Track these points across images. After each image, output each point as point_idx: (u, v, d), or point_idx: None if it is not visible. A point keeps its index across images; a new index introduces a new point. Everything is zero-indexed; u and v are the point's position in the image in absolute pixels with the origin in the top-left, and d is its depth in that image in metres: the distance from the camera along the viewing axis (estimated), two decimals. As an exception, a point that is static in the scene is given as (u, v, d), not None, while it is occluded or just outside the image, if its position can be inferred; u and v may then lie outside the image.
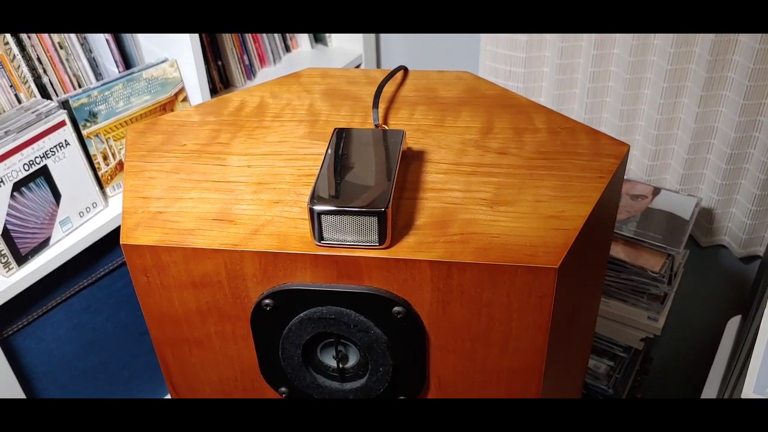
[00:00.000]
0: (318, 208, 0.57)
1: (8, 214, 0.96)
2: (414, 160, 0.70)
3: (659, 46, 1.21)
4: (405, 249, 0.59)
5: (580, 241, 0.61)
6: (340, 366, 0.65)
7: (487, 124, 0.75)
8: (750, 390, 0.57)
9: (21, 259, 0.99)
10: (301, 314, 0.61)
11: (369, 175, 0.60)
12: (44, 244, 1.02)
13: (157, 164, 0.72)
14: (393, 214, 0.59)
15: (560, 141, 0.72)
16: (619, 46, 1.25)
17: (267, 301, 0.62)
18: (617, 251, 1.15)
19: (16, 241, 0.97)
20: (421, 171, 0.68)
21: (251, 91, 0.84)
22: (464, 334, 0.62)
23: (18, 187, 0.97)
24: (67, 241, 1.05)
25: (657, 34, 1.21)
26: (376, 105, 0.76)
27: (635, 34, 1.21)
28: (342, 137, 0.66)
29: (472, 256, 0.58)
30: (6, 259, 0.96)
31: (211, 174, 0.70)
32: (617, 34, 1.25)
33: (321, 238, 0.58)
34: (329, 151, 0.64)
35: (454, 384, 0.66)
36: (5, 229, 0.96)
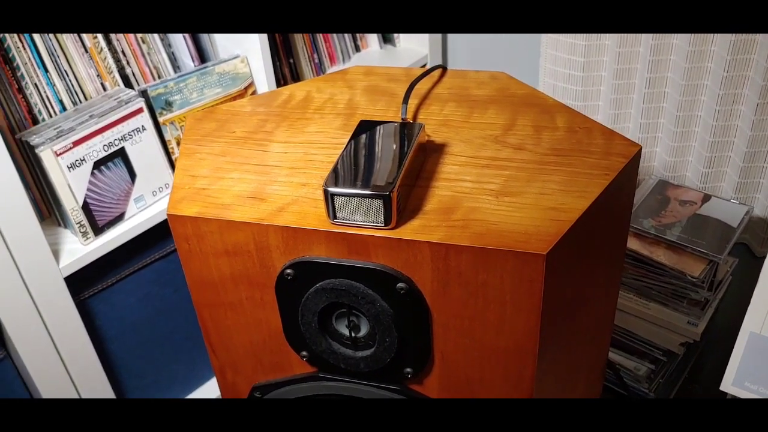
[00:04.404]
0: (331, 189, 0.64)
1: (88, 189, 1.08)
2: (434, 152, 0.76)
3: (716, 53, 1.22)
4: (409, 230, 0.65)
5: (576, 232, 0.65)
6: (352, 335, 0.72)
7: (510, 121, 0.80)
8: (729, 383, 0.59)
9: (98, 230, 1.11)
10: (317, 284, 0.69)
11: (382, 163, 0.67)
12: (119, 218, 1.14)
13: (208, 148, 0.81)
14: (399, 198, 0.65)
15: (576, 139, 0.76)
16: (676, 53, 1.26)
17: (288, 270, 0.69)
18: (659, 254, 1.16)
19: (94, 213, 1.09)
20: (439, 162, 0.74)
21: (300, 86, 0.92)
22: (463, 312, 0.67)
23: (98, 165, 1.09)
24: (140, 217, 1.16)
25: (714, 43, 1.21)
26: (405, 100, 0.82)
27: (692, 42, 1.21)
28: (365, 128, 0.73)
29: (469, 240, 0.63)
30: (85, 229, 1.09)
31: (253, 158, 0.78)
32: (674, 41, 1.25)
33: (334, 216, 0.65)
34: (351, 139, 0.71)
35: (456, 360, 0.71)
36: (85, 202, 1.08)
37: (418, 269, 0.66)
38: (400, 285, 0.66)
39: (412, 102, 0.86)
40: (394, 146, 0.69)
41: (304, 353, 0.75)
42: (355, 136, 0.72)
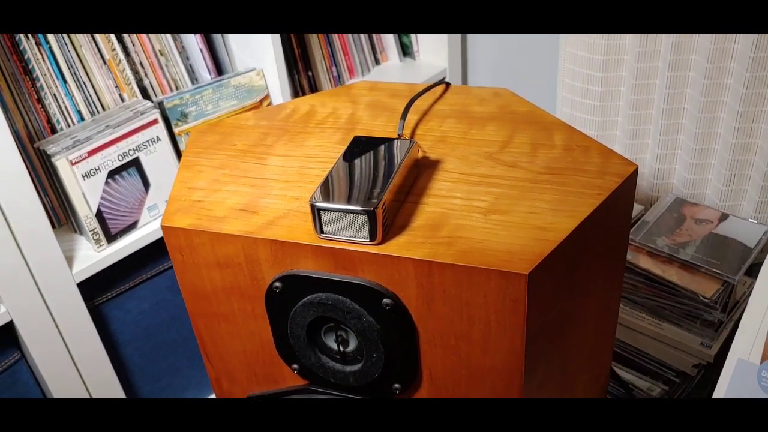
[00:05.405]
0: (318, 204, 0.64)
1: (102, 198, 1.10)
2: (428, 168, 0.76)
3: (735, 69, 1.19)
4: (394, 246, 0.65)
5: (563, 252, 0.64)
6: (341, 349, 0.72)
7: (507, 138, 0.80)
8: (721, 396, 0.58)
9: (111, 237, 1.13)
10: (305, 298, 0.69)
11: (371, 179, 0.67)
12: (132, 226, 1.16)
13: (208, 160, 0.82)
14: (385, 214, 0.65)
15: (572, 158, 0.75)
16: (695, 68, 1.24)
17: (277, 284, 0.70)
18: (671, 274, 1.14)
19: (107, 221, 1.12)
20: (432, 178, 0.74)
21: (305, 100, 0.93)
22: (449, 330, 0.67)
23: (112, 174, 1.11)
24: (153, 225, 1.18)
25: (733, 59, 1.19)
26: (403, 116, 0.82)
27: (710, 57, 1.19)
28: (358, 144, 0.73)
29: (452, 257, 0.63)
30: (98, 236, 1.11)
31: (250, 171, 0.79)
32: (693, 57, 1.23)
33: (321, 231, 0.66)
34: (343, 155, 0.72)
35: (444, 377, 0.71)
36: (98, 210, 1.10)
37: (403, 285, 0.66)
38: (385, 301, 0.66)
39: (413, 117, 0.86)
40: (384, 162, 0.70)
41: (295, 366, 0.76)
42: (347, 151, 0.72)
